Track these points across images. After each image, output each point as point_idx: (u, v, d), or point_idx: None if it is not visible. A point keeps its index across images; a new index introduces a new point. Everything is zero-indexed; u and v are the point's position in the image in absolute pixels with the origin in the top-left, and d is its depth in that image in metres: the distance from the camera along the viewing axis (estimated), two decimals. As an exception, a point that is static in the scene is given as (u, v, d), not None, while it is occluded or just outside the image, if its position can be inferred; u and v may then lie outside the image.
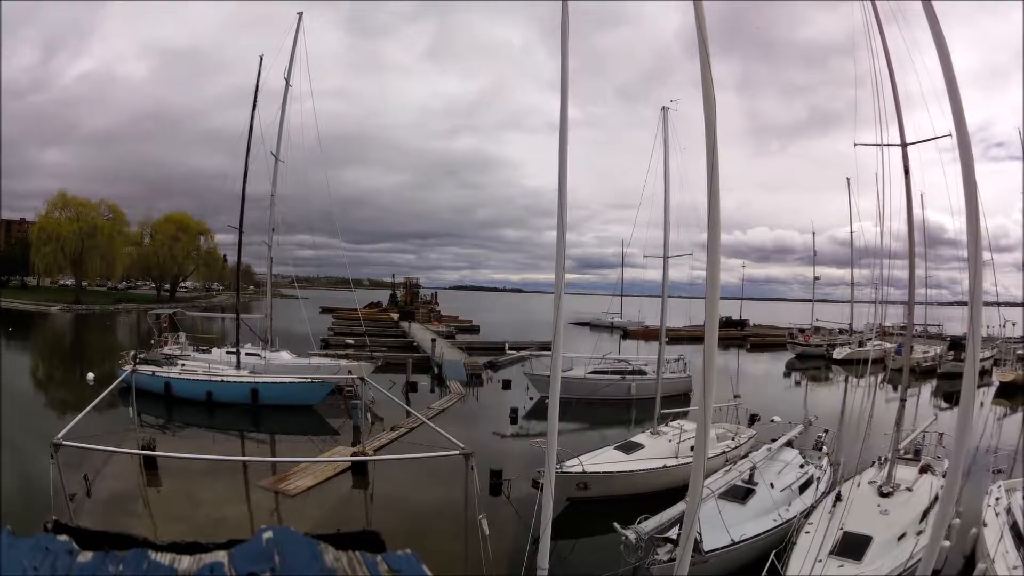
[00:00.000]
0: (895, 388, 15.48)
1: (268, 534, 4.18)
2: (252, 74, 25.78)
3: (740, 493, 11.85)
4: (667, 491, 12.51)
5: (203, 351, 28.91)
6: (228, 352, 26.86)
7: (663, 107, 17.77)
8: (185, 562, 3.86)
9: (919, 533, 10.13)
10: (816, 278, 59.92)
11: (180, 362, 26.05)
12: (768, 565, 9.12)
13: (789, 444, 14.68)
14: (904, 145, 11.43)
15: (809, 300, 60.40)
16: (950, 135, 9.60)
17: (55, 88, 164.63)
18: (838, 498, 11.25)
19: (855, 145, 11.94)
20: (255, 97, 25.66)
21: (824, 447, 14.83)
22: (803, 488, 12.59)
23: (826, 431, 15.46)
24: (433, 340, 38.48)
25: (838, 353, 44.79)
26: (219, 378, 23.77)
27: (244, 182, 25.80)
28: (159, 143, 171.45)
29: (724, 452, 15.57)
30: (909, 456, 13.74)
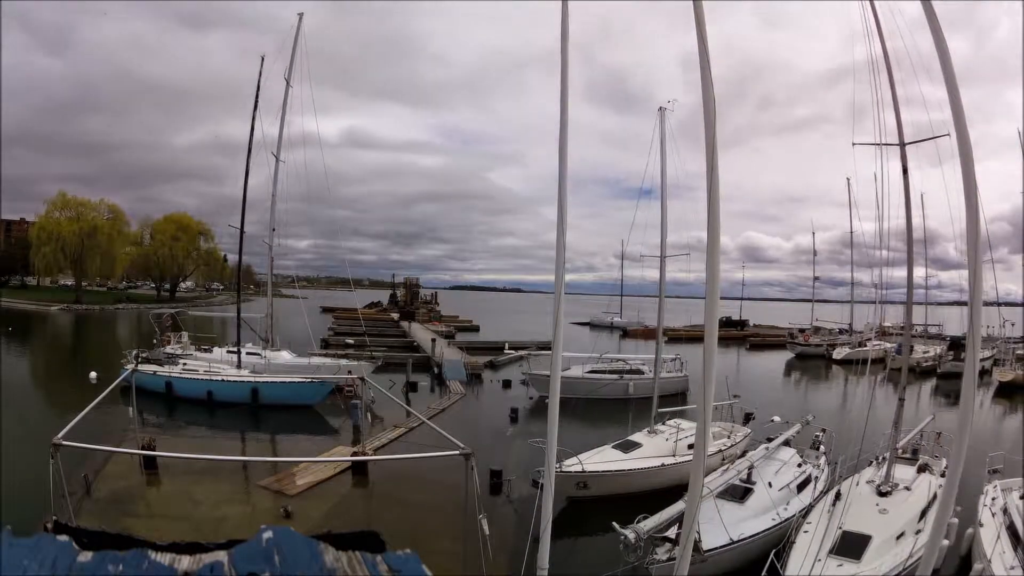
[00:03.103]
0: (895, 388, 15.50)
1: (268, 534, 4.19)
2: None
3: (738, 492, 11.86)
4: (665, 489, 12.53)
5: (204, 350, 28.98)
6: (229, 351, 26.92)
7: (660, 107, 17.82)
8: (185, 562, 3.87)
9: (918, 532, 10.14)
10: (816, 278, 60.03)
11: (181, 361, 26.13)
12: (768, 564, 9.13)
13: (786, 443, 14.70)
14: (902, 144, 11.42)
15: (809, 300, 60.50)
16: (948, 135, 9.64)
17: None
18: (837, 497, 11.26)
19: (853, 144, 11.96)
20: (256, 97, 25.70)
21: (821, 446, 14.84)
22: (801, 487, 12.60)
23: (823, 430, 15.46)
24: (433, 340, 38.50)
25: (838, 353, 44.83)
26: (220, 377, 23.84)
27: (245, 182, 25.86)
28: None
29: (720, 451, 15.60)
30: (907, 455, 13.76)
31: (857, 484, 12.00)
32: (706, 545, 9.64)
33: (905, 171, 11.41)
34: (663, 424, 17.34)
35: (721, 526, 10.23)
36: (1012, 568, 9.07)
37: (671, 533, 9.92)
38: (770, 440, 14.80)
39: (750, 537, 10.46)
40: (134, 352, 25.93)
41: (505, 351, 40.11)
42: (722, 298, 5.98)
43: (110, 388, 13.29)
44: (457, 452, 9.65)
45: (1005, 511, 10.74)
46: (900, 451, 13.22)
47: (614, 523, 9.93)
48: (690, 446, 14.53)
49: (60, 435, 9.08)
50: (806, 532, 10.20)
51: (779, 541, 10.05)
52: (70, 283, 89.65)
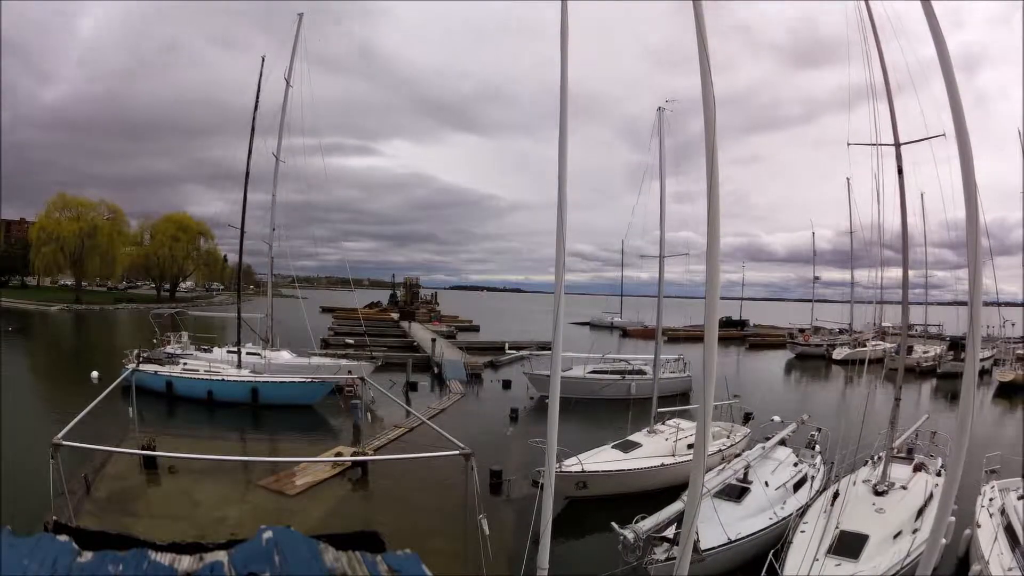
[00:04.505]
0: (894, 387, 15.52)
1: (268, 534, 4.21)
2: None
3: (735, 492, 11.88)
4: (665, 489, 12.55)
5: (204, 350, 29.00)
6: (229, 351, 26.95)
7: (659, 107, 17.84)
8: (185, 562, 3.89)
9: (915, 531, 10.17)
10: (816, 278, 60.06)
11: (182, 361, 26.17)
12: (767, 564, 9.14)
13: (783, 443, 14.72)
14: (897, 145, 11.42)
15: (809, 300, 60.53)
16: (943, 135, 9.67)
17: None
18: (833, 497, 11.28)
19: (848, 145, 11.97)
20: (256, 97, 25.69)
21: (816, 446, 14.87)
22: (797, 487, 12.63)
23: (818, 430, 15.49)
24: (433, 340, 38.52)
25: (838, 353, 44.84)
26: (220, 377, 23.87)
27: (246, 182, 25.83)
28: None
29: (720, 450, 15.61)
30: (902, 455, 13.79)
31: (854, 483, 12.01)
32: (704, 544, 9.65)
33: (900, 172, 11.41)
34: (663, 424, 17.36)
35: (719, 526, 10.25)
36: (1010, 569, 9.08)
37: (669, 533, 9.94)
38: (766, 439, 14.83)
39: (747, 536, 10.48)
40: (135, 352, 25.97)
41: (506, 351, 40.15)
42: (722, 298, 5.98)
43: (110, 388, 13.31)
44: (457, 452, 9.68)
45: (1003, 512, 10.74)
46: (896, 450, 13.24)
47: (613, 523, 9.95)
48: (689, 446, 14.55)
49: (60, 435, 9.11)
50: (803, 532, 10.22)
51: (776, 540, 10.06)
52: (70, 283, 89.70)
